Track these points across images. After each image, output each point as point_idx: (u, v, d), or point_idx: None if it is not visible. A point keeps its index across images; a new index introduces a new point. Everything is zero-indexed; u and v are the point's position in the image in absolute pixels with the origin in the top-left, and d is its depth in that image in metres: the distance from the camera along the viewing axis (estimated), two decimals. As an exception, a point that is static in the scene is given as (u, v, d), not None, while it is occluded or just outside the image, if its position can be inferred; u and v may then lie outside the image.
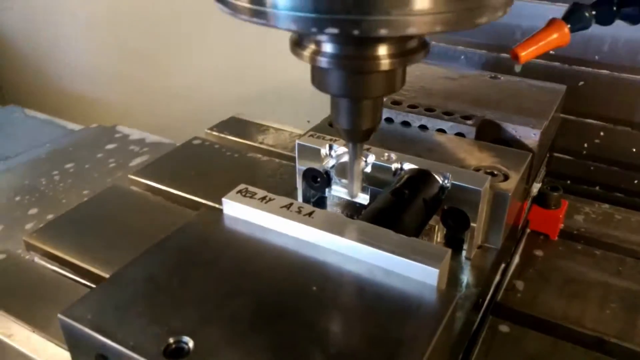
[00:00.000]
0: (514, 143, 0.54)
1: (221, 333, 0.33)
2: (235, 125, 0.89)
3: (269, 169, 0.76)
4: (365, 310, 0.35)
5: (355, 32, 0.28)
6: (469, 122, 0.55)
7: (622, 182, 0.81)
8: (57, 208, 0.75)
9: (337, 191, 0.52)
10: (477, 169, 0.49)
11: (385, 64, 0.32)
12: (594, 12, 0.51)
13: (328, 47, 0.33)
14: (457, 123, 0.55)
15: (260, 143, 0.83)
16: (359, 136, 0.38)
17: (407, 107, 0.57)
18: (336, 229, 0.39)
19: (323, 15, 0.28)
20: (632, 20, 0.51)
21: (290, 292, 0.36)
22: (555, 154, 0.83)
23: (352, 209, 0.51)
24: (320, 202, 0.53)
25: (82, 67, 1.53)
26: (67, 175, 0.85)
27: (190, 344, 0.32)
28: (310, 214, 0.41)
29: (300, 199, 0.54)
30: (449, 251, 0.37)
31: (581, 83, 0.79)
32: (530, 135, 0.54)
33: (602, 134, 0.80)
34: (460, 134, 0.55)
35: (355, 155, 0.39)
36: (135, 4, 1.34)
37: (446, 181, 0.45)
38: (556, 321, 0.54)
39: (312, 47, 0.33)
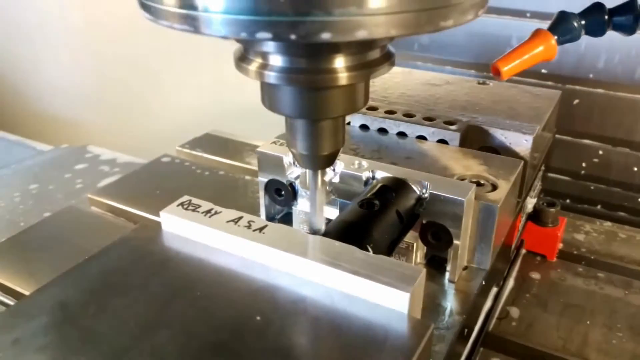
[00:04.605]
0: (504, 151, 0.48)
1: (135, 374, 0.26)
2: (209, 142, 0.83)
3: (241, 188, 0.69)
4: (318, 344, 0.28)
5: (292, 36, 0.23)
6: (453, 127, 0.49)
7: (625, 200, 0.75)
8: (13, 231, 0.69)
9: (304, 205, 0.45)
10: (461, 179, 0.43)
11: (342, 77, 0.28)
12: (583, 22, 0.45)
13: (276, 60, 0.28)
14: (440, 129, 0.49)
15: (235, 160, 0.77)
16: (318, 163, 0.33)
17: (384, 112, 0.52)
18: (290, 247, 0.33)
19: (253, 17, 0.23)
20: (626, 30, 0.45)
21: (228, 323, 0.29)
22: (553, 175, 0.78)
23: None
24: (287, 220, 0.47)
25: (60, 88, 1.48)
26: (28, 197, 0.79)
27: (94, 388, 0.26)
28: (261, 229, 0.34)
29: (263, 216, 0.48)
30: (424, 271, 0.31)
31: (576, 101, 0.74)
32: (521, 142, 0.48)
33: (600, 152, 0.75)
34: (442, 141, 0.49)
35: (316, 184, 0.34)
36: (112, 24, 1.30)
37: (424, 191, 0.39)
38: (555, 353, 0.47)
39: (259, 60, 0.29)
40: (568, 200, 0.79)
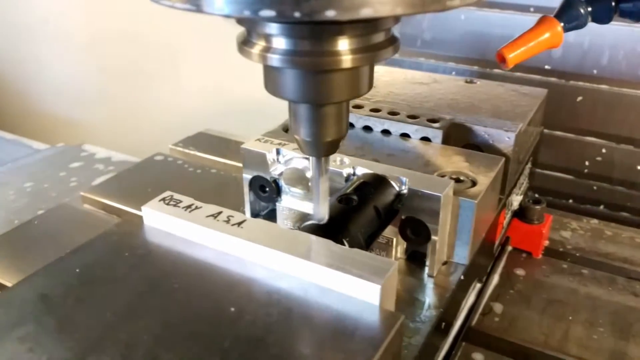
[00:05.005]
0: (487, 148, 0.49)
1: (110, 362, 0.27)
2: (202, 140, 0.84)
3: (232, 185, 0.70)
4: (289, 334, 0.29)
5: (296, 13, 0.23)
6: (436, 125, 0.49)
7: (628, 200, 0.76)
8: (7, 229, 0.70)
9: (288, 202, 0.46)
10: (442, 175, 0.43)
11: (346, 60, 0.28)
12: (589, 9, 0.45)
13: (279, 42, 0.28)
14: (422, 127, 0.49)
15: (227, 159, 0.78)
16: (322, 149, 0.33)
17: (369, 110, 0.52)
18: (267, 241, 0.34)
19: None
20: (633, 17, 0.45)
21: (203, 314, 0.30)
22: (555, 173, 0.78)
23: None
24: (272, 216, 0.48)
25: (61, 88, 1.49)
26: (23, 195, 0.80)
27: (70, 375, 0.26)
28: (239, 223, 0.35)
29: (248, 213, 0.49)
30: (395, 264, 0.32)
31: (580, 98, 0.74)
32: (503, 139, 0.48)
33: (604, 150, 0.75)
34: (425, 139, 0.49)
35: (320, 171, 0.34)
36: (112, 25, 1.31)
37: (403, 187, 0.40)
38: (536, 348, 0.48)
39: (262, 43, 0.28)
40: (571, 200, 0.79)
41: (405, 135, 0.50)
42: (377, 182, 0.40)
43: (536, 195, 0.61)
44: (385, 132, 0.51)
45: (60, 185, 0.82)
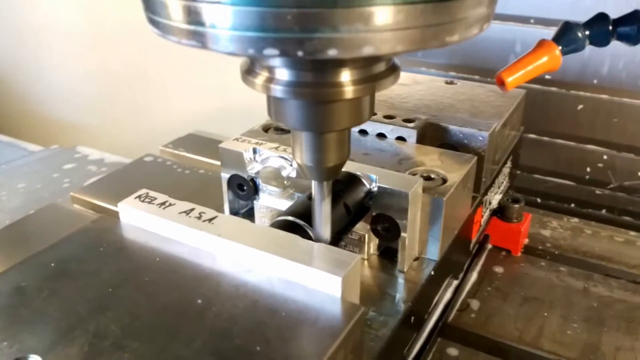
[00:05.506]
0: (461, 147, 0.50)
1: (78, 350, 0.28)
2: (192, 142, 0.85)
3: (219, 186, 0.71)
4: (252, 325, 0.30)
5: (299, 52, 0.23)
6: (410, 125, 0.50)
7: (630, 205, 0.77)
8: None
9: (265, 200, 0.47)
10: (413, 173, 0.45)
11: (348, 91, 0.28)
12: (587, 32, 0.45)
13: (282, 74, 0.28)
14: (398, 126, 0.50)
15: (216, 159, 0.79)
16: (324, 174, 0.34)
17: (347, 111, 0.53)
18: (236, 236, 0.35)
19: (260, 34, 0.23)
20: (631, 40, 0.45)
21: (171, 306, 0.31)
22: (558, 180, 0.79)
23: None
24: (251, 214, 0.49)
25: (61, 92, 1.50)
26: (15, 195, 0.81)
27: (38, 363, 0.28)
28: (211, 219, 0.36)
29: (227, 211, 0.50)
30: (357, 257, 0.33)
31: (580, 107, 0.75)
32: (477, 139, 0.50)
33: (605, 157, 0.76)
34: (401, 138, 0.50)
35: (322, 195, 0.35)
36: (112, 30, 1.32)
37: (373, 185, 0.41)
38: (510, 343, 0.49)
39: (265, 74, 0.29)
40: (573, 205, 0.80)
41: (381, 135, 0.51)
42: (348, 180, 0.41)
43: (516, 194, 0.62)
44: (363, 132, 0.52)
45: (53, 186, 0.84)
